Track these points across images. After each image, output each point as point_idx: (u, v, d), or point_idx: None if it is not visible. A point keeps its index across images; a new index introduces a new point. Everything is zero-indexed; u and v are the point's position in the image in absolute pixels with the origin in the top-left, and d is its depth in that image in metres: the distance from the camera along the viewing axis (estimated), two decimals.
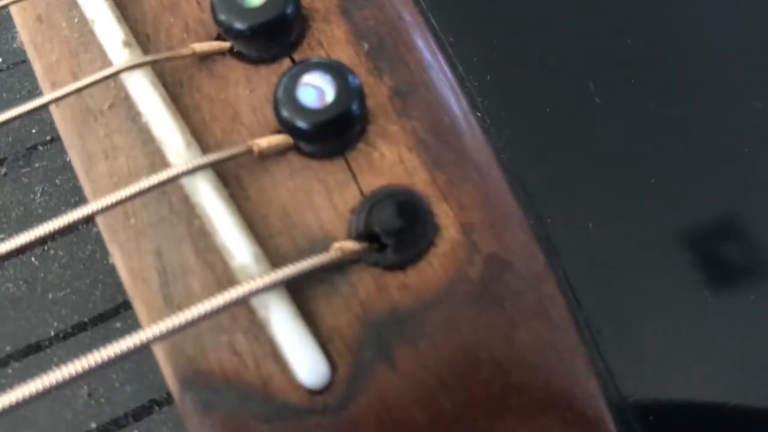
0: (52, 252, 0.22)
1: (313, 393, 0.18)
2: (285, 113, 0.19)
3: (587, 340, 0.20)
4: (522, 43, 0.23)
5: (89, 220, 0.19)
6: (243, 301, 0.18)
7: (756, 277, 0.22)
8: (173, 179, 0.19)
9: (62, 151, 0.21)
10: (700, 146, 0.23)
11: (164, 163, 0.19)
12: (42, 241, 0.20)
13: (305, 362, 0.18)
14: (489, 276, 0.19)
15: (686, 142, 0.23)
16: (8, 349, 0.21)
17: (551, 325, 0.19)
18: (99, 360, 0.17)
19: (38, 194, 0.22)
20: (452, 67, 0.22)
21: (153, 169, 0.20)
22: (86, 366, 0.17)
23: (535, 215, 0.21)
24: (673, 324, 0.21)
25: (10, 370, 0.21)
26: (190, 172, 0.19)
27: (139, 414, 0.20)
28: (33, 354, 0.21)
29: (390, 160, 0.20)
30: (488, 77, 0.22)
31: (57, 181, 0.22)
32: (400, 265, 0.19)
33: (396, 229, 0.19)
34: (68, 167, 0.21)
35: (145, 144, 0.20)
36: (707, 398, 0.20)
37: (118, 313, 0.21)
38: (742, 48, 0.24)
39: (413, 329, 0.18)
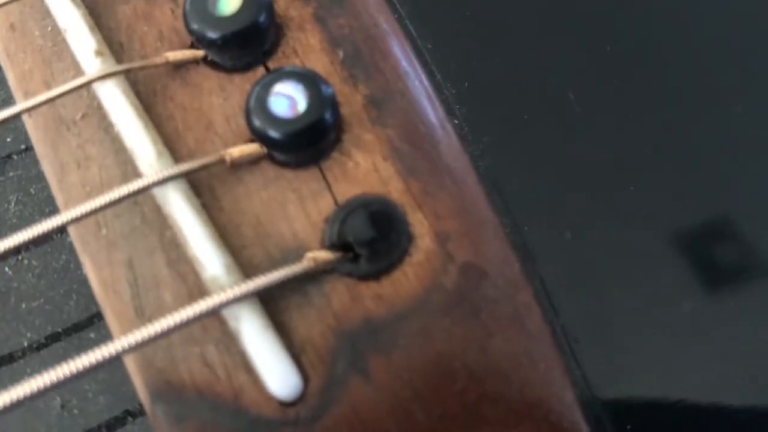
0: (25, 262, 0.22)
1: (285, 405, 0.18)
2: (257, 123, 0.19)
3: (564, 349, 0.20)
4: (501, 50, 0.23)
5: (62, 230, 0.19)
6: (214, 313, 0.18)
7: (736, 284, 0.21)
8: (144, 189, 0.18)
9: (37, 161, 0.21)
10: (678, 153, 0.22)
11: (136, 174, 0.19)
12: (15, 251, 0.20)
13: (277, 374, 0.18)
14: (464, 285, 0.19)
15: (665, 149, 0.22)
16: None
17: (527, 334, 0.19)
18: (70, 371, 0.17)
19: (12, 203, 0.22)
20: (430, 74, 0.22)
21: (125, 179, 0.19)
22: (57, 377, 0.17)
23: (512, 223, 0.21)
24: (651, 332, 0.21)
25: None
26: (162, 182, 0.18)
27: (113, 425, 0.20)
28: (6, 365, 0.21)
29: (364, 168, 0.19)
30: (466, 84, 0.22)
31: (31, 190, 0.22)
32: (375, 275, 0.19)
33: (369, 239, 0.18)
34: (43, 177, 0.21)
35: (117, 154, 0.20)
36: (685, 407, 0.20)
37: (92, 324, 0.21)
38: (721, 53, 0.24)
39: (387, 340, 0.18)
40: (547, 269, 0.20)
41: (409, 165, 0.20)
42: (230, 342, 0.18)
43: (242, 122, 0.20)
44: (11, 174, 0.23)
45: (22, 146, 0.23)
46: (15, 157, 0.23)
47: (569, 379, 0.19)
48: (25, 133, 0.21)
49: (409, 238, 0.19)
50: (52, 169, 0.20)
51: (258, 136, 0.19)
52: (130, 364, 0.18)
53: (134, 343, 0.17)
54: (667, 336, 0.21)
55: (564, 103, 0.23)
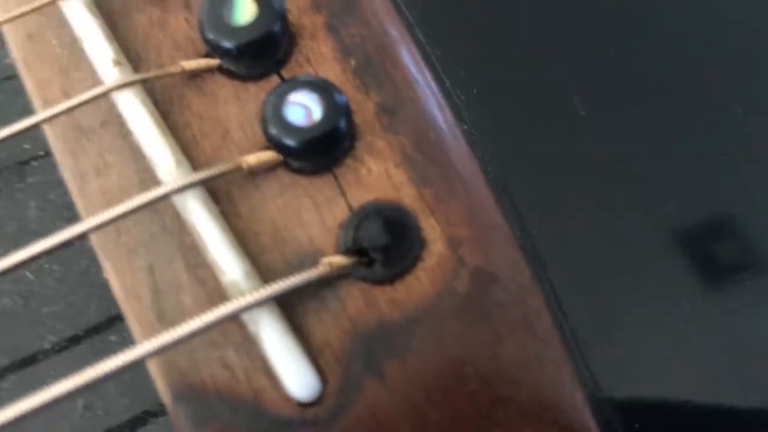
0: (46, 267, 0.22)
1: (303, 406, 0.18)
2: (273, 131, 0.19)
3: (573, 352, 0.20)
4: (508, 57, 0.24)
5: (82, 237, 0.20)
6: (234, 317, 0.18)
7: (743, 284, 0.22)
8: (164, 197, 0.19)
9: (56, 167, 0.21)
10: (682, 155, 0.23)
11: (155, 181, 0.20)
12: (36, 258, 0.20)
13: (296, 376, 0.18)
14: (475, 290, 0.19)
15: (669, 151, 0.23)
16: (4, 363, 0.21)
17: (537, 338, 0.19)
18: (94, 376, 0.18)
19: (32, 209, 0.23)
20: (439, 81, 0.22)
21: (144, 186, 0.20)
22: (82, 381, 0.18)
23: (521, 228, 0.21)
24: (660, 333, 0.21)
25: (6, 384, 0.21)
26: (181, 189, 0.19)
27: (135, 425, 0.21)
28: (29, 367, 0.21)
29: (377, 175, 0.20)
30: (475, 91, 0.23)
31: (51, 196, 0.23)
32: (389, 280, 0.19)
33: (383, 244, 0.19)
34: (62, 182, 0.21)
35: (136, 162, 0.20)
36: (694, 407, 0.21)
37: (112, 326, 0.21)
38: (722, 54, 0.24)
39: (401, 343, 0.19)
40: (556, 273, 0.21)
41: (420, 171, 0.20)
42: (250, 345, 0.19)
43: (258, 130, 0.20)
44: (30, 180, 0.23)
45: (41, 152, 0.23)
46: (34, 163, 0.23)
47: (578, 381, 0.19)
48: (44, 140, 0.22)
49: (422, 243, 0.19)
50: (72, 176, 0.21)
51: (274, 144, 0.19)
52: (153, 366, 0.19)
53: (156, 347, 0.18)
54: (676, 336, 0.21)
55: (570, 107, 0.23)
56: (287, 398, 0.18)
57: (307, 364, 0.18)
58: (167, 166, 0.19)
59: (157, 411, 0.20)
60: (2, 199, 0.23)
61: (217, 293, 0.19)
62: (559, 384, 0.19)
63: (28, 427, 0.20)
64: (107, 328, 0.21)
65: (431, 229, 0.20)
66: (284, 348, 0.18)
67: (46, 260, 0.22)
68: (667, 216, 0.22)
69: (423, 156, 0.20)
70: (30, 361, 0.22)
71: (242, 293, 0.18)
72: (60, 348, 0.22)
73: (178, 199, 0.19)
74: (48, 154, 0.23)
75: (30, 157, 0.23)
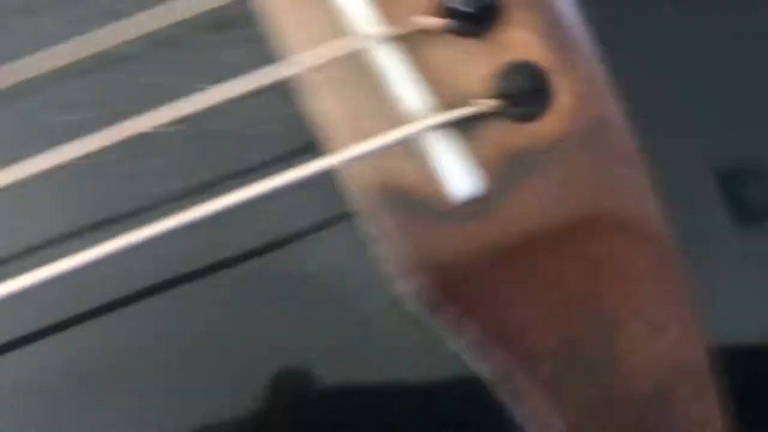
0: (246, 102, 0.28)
1: (460, 205, 0.25)
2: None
3: None
4: None
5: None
6: (412, 136, 0.25)
7: None
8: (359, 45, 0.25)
9: (258, 23, 0.27)
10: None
11: (351, 32, 0.26)
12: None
13: (457, 181, 0.25)
14: (594, 130, 0.26)
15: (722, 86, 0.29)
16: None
17: (635, 169, 0.26)
18: (294, 177, 0.24)
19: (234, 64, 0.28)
20: None
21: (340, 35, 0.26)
22: (278, 183, 0.24)
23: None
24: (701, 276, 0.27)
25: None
26: (376, 40, 0.25)
27: (323, 224, 0.27)
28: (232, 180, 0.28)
29: (522, 39, 0.26)
30: None
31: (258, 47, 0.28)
32: (527, 119, 0.26)
33: (525, 90, 0.25)
34: (263, 38, 0.27)
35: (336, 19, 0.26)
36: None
37: (305, 153, 0.27)
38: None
39: (537, 167, 0.25)
40: None
41: (555, 41, 0.26)
42: (423, 158, 0.25)
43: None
44: (232, 34, 0.28)
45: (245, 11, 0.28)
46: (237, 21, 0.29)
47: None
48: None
49: (554, 93, 0.26)
50: (281, 30, 0.26)
51: (444, 9, 0.25)
52: (344, 174, 0.25)
53: (347, 158, 0.24)
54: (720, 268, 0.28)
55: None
56: (449, 197, 0.25)
57: (467, 172, 0.25)
58: (363, 20, 0.25)
59: (346, 213, 0.27)
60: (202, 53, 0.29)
61: (398, 119, 0.25)
62: (646, 203, 0.26)
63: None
64: (303, 153, 0.27)
65: (561, 83, 0.26)
66: (450, 160, 0.25)
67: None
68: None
69: (558, 31, 0.26)
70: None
71: (419, 118, 0.25)
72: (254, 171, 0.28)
73: (369, 45, 0.25)
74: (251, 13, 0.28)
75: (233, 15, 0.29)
